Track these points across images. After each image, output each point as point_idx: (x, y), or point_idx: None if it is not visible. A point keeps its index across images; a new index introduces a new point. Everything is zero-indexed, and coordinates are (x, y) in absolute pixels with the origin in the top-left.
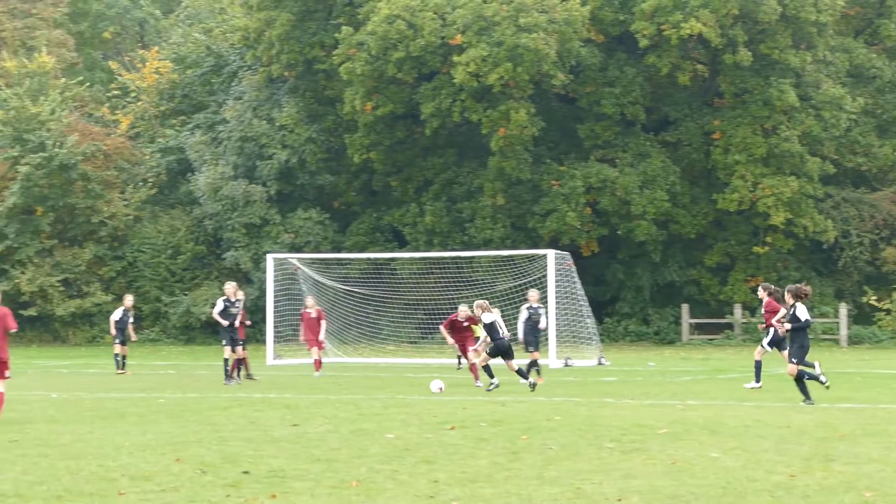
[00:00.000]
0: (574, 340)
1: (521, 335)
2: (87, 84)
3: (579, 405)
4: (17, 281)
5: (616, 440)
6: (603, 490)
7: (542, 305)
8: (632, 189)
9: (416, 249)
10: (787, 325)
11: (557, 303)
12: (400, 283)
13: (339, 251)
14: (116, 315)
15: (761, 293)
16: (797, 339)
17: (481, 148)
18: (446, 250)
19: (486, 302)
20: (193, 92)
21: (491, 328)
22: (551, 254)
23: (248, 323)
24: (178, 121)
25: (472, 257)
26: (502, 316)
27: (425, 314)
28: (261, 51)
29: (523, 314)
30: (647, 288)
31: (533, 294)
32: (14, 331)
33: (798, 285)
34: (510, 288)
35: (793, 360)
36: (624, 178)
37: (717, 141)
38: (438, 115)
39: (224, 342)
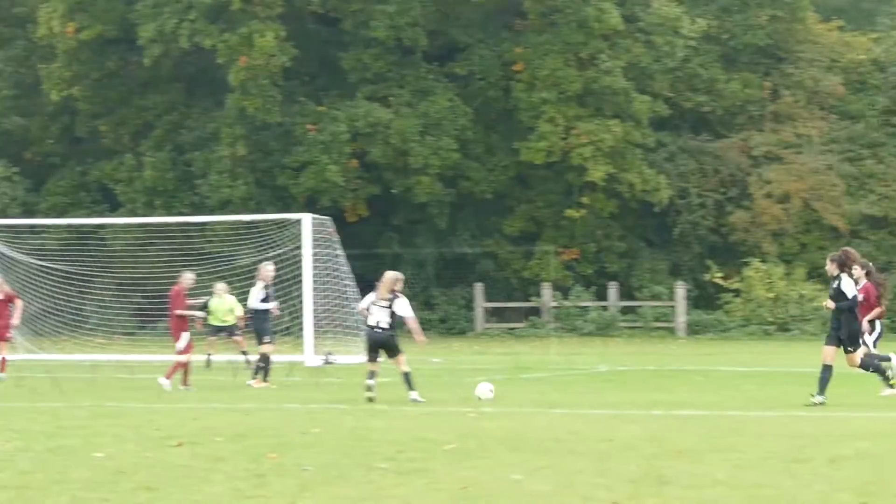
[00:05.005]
0: (337, 331)
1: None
2: None
3: (344, 414)
4: None
5: (391, 459)
6: None
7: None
8: (410, 136)
9: (133, 214)
10: None
11: (316, 282)
12: (112, 257)
13: (32, 216)
14: None
15: None
16: None
17: (217, 82)
18: (171, 215)
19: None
20: None
21: None
22: (307, 218)
23: None
24: None
25: (206, 223)
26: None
27: (145, 298)
28: None
29: (258, 294)
30: (431, 263)
31: (267, 269)
32: None
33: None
34: (254, 263)
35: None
36: (400, 120)
37: (520, 74)
38: (161, 39)
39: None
